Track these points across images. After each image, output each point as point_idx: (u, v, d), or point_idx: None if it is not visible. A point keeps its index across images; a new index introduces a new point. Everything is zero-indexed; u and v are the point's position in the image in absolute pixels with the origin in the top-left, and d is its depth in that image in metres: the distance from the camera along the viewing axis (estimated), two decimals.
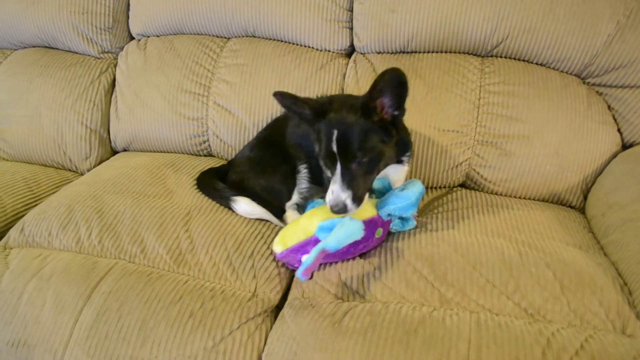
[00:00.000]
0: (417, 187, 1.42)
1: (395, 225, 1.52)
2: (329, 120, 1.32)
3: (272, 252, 1.50)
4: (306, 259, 1.29)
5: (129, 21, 2.32)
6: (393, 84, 1.24)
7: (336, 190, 1.28)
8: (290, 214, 1.71)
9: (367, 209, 1.40)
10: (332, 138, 1.28)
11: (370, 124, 1.30)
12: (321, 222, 1.34)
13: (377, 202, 1.44)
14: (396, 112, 1.32)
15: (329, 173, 1.38)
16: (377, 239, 1.44)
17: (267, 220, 1.67)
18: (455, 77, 1.88)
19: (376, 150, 1.32)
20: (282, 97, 1.35)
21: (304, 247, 1.38)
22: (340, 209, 1.28)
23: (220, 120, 2.07)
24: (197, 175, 1.86)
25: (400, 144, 1.43)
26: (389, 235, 1.52)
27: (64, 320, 1.34)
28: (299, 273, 1.28)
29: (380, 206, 1.42)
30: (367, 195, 1.36)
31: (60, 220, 1.61)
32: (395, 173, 1.56)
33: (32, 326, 1.36)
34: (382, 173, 1.46)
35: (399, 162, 1.50)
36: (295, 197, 1.71)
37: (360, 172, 1.31)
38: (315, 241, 1.35)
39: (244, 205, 1.64)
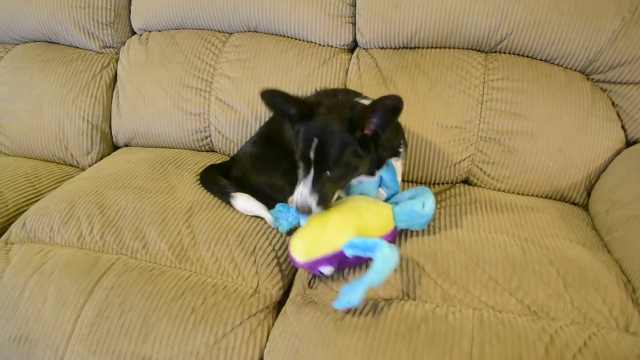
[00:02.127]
0: (434, 203, 1.41)
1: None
2: (312, 126, 1.32)
3: (274, 249, 1.49)
4: (353, 295, 1.19)
5: (131, 16, 2.32)
6: (389, 108, 1.25)
7: (304, 193, 1.32)
8: None
9: (388, 219, 1.39)
10: (311, 145, 1.29)
11: (351, 138, 1.30)
12: (353, 239, 1.28)
13: (395, 214, 1.41)
14: (380, 132, 1.32)
15: (301, 171, 1.39)
16: None
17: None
18: (458, 73, 1.87)
19: (351, 165, 1.34)
20: (271, 94, 1.33)
21: (329, 260, 1.32)
22: (305, 211, 1.33)
23: (222, 115, 2.06)
24: (200, 171, 1.85)
25: (376, 159, 1.42)
26: None
27: (65, 316, 1.34)
28: (340, 306, 1.23)
29: (398, 219, 1.40)
30: (335, 198, 1.40)
31: (61, 215, 1.61)
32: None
33: (34, 322, 1.36)
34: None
35: (371, 174, 1.47)
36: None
37: (331, 180, 1.34)
38: (341, 256, 1.29)
39: (242, 202, 1.63)
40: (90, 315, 1.33)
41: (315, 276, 1.40)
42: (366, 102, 1.48)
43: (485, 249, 1.40)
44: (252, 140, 1.87)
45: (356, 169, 1.36)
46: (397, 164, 1.59)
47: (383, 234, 1.35)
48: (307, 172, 1.33)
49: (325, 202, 1.34)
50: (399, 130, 1.59)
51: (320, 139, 1.29)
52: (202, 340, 1.28)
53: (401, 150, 1.56)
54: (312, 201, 1.31)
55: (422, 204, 1.40)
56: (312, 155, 1.30)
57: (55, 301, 1.37)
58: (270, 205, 1.62)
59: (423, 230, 1.50)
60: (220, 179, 1.76)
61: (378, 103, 1.25)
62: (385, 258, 1.20)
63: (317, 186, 1.32)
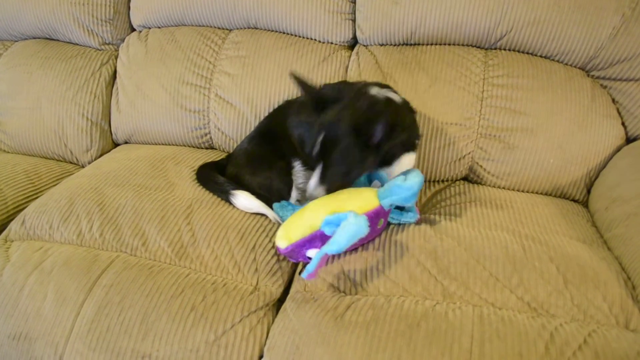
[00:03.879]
0: (419, 178, 1.40)
1: (393, 214, 1.51)
2: (321, 120, 1.35)
3: (274, 246, 1.49)
4: (310, 262, 1.26)
5: (130, 12, 2.31)
6: (386, 125, 1.29)
7: (312, 185, 1.37)
8: None
9: (370, 199, 1.38)
10: (318, 140, 1.33)
11: (355, 140, 1.32)
12: (327, 216, 1.32)
13: (379, 192, 1.41)
14: (384, 142, 1.34)
15: (312, 164, 1.44)
16: (379, 229, 1.43)
17: None
18: (458, 69, 1.87)
19: (356, 164, 1.36)
20: (297, 79, 1.39)
21: (310, 241, 1.36)
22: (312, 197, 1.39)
23: (221, 112, 2.05)
24: (197, 169, 1.85)
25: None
26: (392, 228, 1.51)
27: (65, 314, 1.34)
28: (304, 275, 1.26)
29: (382, 196, 1.39)
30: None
31: (61, 212, 1.61)
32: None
33: (33, 319, 1.35)
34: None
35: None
36: (294, 194, 1.71)
37: (338, 174, 1.36)
38: (321, 235, 1.33)
39: (243, 200, 1.63)
40: (90, 312, 1.33)
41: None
42: (395, 96, 1.49)
43: (486, 246, 1.40)
44: (250, 135, 1.87)
45: (363, 167, 1.39)
46: (409, 157, 1.59)
47: (364, 212, 1.34)
48: (316, 164, 1.36)
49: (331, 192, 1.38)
50: (412, 126, 1.58)
51: (326, 135, 1.32)
52: (202, 338, 1.27)
53: (417, 142, 1.59)
54: (321, 192, 1.35)
55: (404, 178, 1.40)
56: (317, 148, 1.32)
57: (55, 299, 1.37)
58: (268, 204, 1.62)
59: (423, 227, 1.50)
60: (218, 176, 1.76)
61: (376, 119, 1.27)
62: (347, 226, 1.23)
63: (324, 179, 1.35)
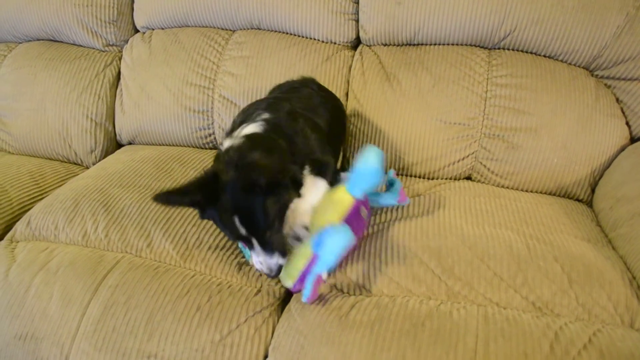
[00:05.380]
0: (374, 155, 1.32)
1: (372, 198, 1.47)
2: (222, 208, 1.19)
3: None
4: (305, 287, 1.26)
5: (134, 14, 2.32)
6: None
7: (265, 261, 1.24)
8: None
9: (342, 200, 1.34)
10: (235, 224, 1.18)
11: (260, 194, 1.16)
12: (312, 239, 1.28)
13: (347, 186, 1.36)
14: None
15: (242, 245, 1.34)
16: (366, 221, 1.41)
17: None
18: (462, 69, 1.87)
19: (281, 211, 1.23)
20: (165, 198, 1.18)
21: (308, 269, 1.30)
22: (276, 273, 1.27)
23: (226, 113, 2.06)
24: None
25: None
26: (395, 227, 1.51)
27: (71, 314, 1.35)
28: (304, 299, 1.27)
29: (351, 189, 1.35)
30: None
31: (66, 213, 1.61)
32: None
33: (40, 319, 1.36)
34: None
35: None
36: None
37: (275, 232, 1.23)
38: (316, 257, 1.27)
39: None
40: (96, 312, 1.34)
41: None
42: (256, 127, 1.35)
43: (490, 246, 1.40)
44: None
45: (287, 207, 1.25)
46: (319, 184, 1.42)
47: (342, 216, 1.32)
48: (250, 244, 1.24)
49: (285, 251, 1.27)
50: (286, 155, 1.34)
51: (240, 215, 1.17)
52: (207, 338, 1.28)
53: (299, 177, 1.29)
54: (277, 260, 1.24)
55: (364, 163, 1.33)
56: (243, 232, 1.19)
57: (61, 299, 1.37)
58: None
59: (427, 226, 1.50)
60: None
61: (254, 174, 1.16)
62: (329, 242, 1.21)
63: (269, 247, 1.23)
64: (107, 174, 1.82)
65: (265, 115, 1.40)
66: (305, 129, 1.43)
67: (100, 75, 2.23)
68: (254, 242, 1.22)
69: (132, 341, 1.29)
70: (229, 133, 1.43)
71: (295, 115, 1.45)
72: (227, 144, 1.31)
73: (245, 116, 1.47)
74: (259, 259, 1.26)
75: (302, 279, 1.31)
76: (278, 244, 1.25)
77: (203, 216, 1.26)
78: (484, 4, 1.82)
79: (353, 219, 1.34)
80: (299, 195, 1.26)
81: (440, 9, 1.87)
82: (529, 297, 1.26)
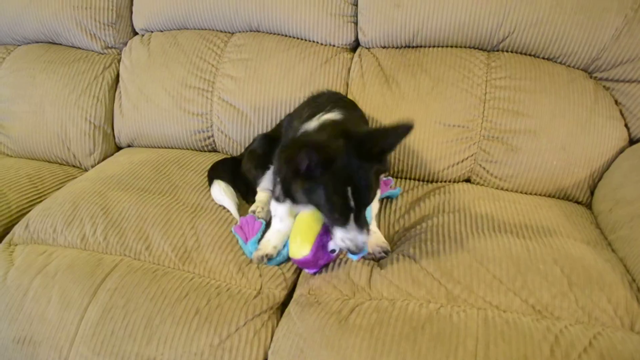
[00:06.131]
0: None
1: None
2: (338, 175, 1.17)
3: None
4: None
5: (133, 16, 2.31)
6: (402, 134, 1.17)
7: (356, 237, 1.23)
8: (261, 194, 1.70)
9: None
10: (348, 195, 1.17)
11: (373, 167, 1.20)
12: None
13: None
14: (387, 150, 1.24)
15: (333, 216, 1.26)
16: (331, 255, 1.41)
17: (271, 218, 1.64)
18: (461, 71, 1.87)
19: (378, 184, 1.27)
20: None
21: (324, 234, 1.33)
22: (362, 250, 1.26)
23: (224, 115, 2.06)
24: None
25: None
26: (393, 234, 1.53)
27: (69, 317, 1.34)
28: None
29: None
30: None
31: (65, 216, 1.61)
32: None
33: (38, 323, 1.36)
34: None
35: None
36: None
37: (365, 207, 1.25)
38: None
39: (215, 191, 1.69)
40: (94, 316, 1.33)
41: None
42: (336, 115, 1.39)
43: (489, 249, 1.40)
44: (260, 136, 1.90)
45: (378, 182, 1.28)
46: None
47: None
48: (346, 218, 1.22)
49: (368, 229, 1.27)
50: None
51: (355, 185, 1.17)
52: (206, 341, 1.27)
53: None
54: (364, 237, 1.24)
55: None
56: (352, 203, 1.18)
57: (59, 302, 1.37)
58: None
59: (426, 230, 1.50)
60: (221, 166, 1.84)
61: (394, 132, 1.17)
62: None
63: (360, 223, 1.23)
64: (105, 177, 1.82)
65: (337, 110, 1.43)
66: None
67: (99, 77, 2.23)
68: (351, 217, 1.20)
69: (131, 345, 1.29)
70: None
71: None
72: (306, 126, 1.34)
73: (311, 110, 1.48)
74: (348, 236, 1.23)
75: (318, 242, 1.31)
76: (364, 220, 1.25)
77: (288, 194, 1.28)
78: (483, 6, 1.82)
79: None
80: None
81: (439, 11, 1.87)
82: (528, 300, 1.26)
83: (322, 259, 1.37)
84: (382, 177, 1.55)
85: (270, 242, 1.48)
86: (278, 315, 1.38)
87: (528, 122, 1.78)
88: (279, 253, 1.48)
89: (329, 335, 1.21)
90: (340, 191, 1.17)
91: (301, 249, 1.33)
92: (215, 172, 1.79)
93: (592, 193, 1.80)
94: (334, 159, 1.16)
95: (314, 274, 1.42)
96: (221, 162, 1.90)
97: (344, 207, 1.19)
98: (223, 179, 1.72)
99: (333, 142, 1.18)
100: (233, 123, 2.05)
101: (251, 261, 1.47)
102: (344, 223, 1.23)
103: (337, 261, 1.42)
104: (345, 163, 1.16)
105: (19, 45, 2.42)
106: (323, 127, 1.31)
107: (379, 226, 1.55)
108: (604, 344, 1.14)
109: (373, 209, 1.49)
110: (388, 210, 1.65)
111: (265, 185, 1.70)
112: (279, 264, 1.48)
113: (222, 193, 1.67)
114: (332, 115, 1.38)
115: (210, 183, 1.75)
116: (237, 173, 1.81)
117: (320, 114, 1.41)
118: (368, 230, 1.27)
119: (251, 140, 1.96)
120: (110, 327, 1.31)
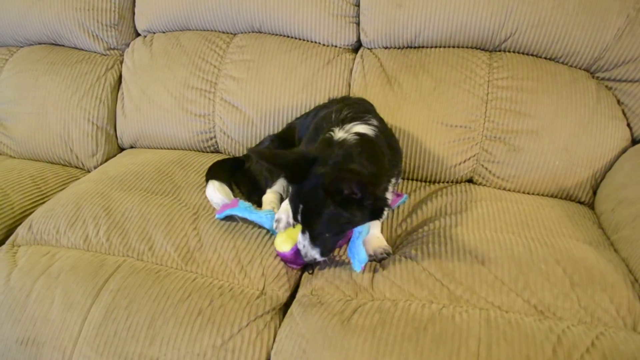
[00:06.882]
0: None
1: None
2: (298, 190, 1.29)
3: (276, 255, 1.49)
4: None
5: (135, 17, 2.32)
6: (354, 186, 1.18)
7: (307, 247, 1.32)
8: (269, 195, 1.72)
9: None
10: (298, 210, 1.28)
11: (332, 204, 1.22)
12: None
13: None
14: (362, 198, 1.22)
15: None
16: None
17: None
18: (463, 72, 1.87)
19: (341, 224, 1.27)
20: (262, 154, 1.34)
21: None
22: (309, 261, 1.36)
23: (227, 116, 2.06)
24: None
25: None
26: (393, 236, 1.52)
27: (72, 318, 1.35)
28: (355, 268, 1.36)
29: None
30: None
31: (68, 217, 1.61)
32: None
33: (41, 324, 1.36)
34: None
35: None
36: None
37: (329, 240, 1.33)
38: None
39: (208, 190, 1.70)
40: (97, 317, 1.33)
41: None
42: (367, 128, 1.40)
43: (491, 249, 1.40)
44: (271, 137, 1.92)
45: (350, 224, 1.28)
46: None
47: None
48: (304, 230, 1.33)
49: (328, 251, 1.35)
50: (394, 157, 1.50)
51: (304, 206, 1.27)
52: (209, 342, 1.28)
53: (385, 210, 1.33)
54: (316, 253, 1.32)
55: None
56: (299, 218, 1.29)
57: (62, 303, 1.37)
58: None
59: (427, 231, 1.50)
60: (219, 167, 1.84)
61: (351, 178, 1.19)
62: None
63: (315, 240, 1.31)
64: (108, 178, 1.83)
65: (374, 121, 1.46)
66: (395, 139, 1.60)
67: (102, 78, 2.23)
68: (307, 231, 1.31)
69: (134, 345, 1.29)
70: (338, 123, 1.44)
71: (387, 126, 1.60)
72: (339, 134, 1.37)
73: (354, 113, 1.49)
74: (304, 242, 1.33)
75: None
76: (326, 243, 1.33)
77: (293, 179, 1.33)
78: (485, 6, 1.82)
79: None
80: (376, 218, 1.33)
81: (441, 12, 1.87)
82: (530, 300, 1.26)
83: (302, 259, 1.40)
84: (394, 190, 1.55)
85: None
86: (280, 316, 1.38)
87: (530, 123, 1.78)
88: None
89: (332, 336, 1.21)
90: (295, 201, 1.30)
91: (283, 245, 1.43)
92: (212, 173, 1.79)
93: (594, 193, 1.80)
94: (308, 174, 1.26)
95: (298, 269, 1.50)
96: (220, 163, 1.90)
97: (294, 216, 1.32)
98: (219, 179, 1.72)
99: (320, 164, 1.26)
100: (235, 124, 2.05)
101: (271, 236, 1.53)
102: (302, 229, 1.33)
103: (340, 262, 1.43)
104: (309, 187, 1.25)
105: (21, 47, 2.43)
106: (343, 142, 1.33)
107: (382, 230, 1.55)
108: (607, 344, 1.14)
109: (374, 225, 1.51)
110: (391, 214, 1.66)
111: (276, 189, 1.71)
112: None
113: (215, 192, 1.67)
114: (365, 128, 1.40)
115: (206, 184, 1.75)
116: (239, 172, 1.82)
117: (357, 122, 1.42)
118: (324, 254, 1.34)
119: (256, 141, 1.97)
120: (114, 327, 1.32)
